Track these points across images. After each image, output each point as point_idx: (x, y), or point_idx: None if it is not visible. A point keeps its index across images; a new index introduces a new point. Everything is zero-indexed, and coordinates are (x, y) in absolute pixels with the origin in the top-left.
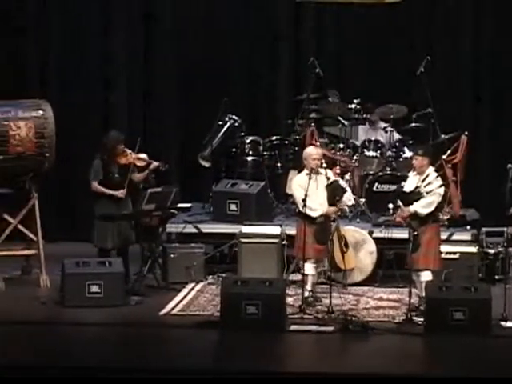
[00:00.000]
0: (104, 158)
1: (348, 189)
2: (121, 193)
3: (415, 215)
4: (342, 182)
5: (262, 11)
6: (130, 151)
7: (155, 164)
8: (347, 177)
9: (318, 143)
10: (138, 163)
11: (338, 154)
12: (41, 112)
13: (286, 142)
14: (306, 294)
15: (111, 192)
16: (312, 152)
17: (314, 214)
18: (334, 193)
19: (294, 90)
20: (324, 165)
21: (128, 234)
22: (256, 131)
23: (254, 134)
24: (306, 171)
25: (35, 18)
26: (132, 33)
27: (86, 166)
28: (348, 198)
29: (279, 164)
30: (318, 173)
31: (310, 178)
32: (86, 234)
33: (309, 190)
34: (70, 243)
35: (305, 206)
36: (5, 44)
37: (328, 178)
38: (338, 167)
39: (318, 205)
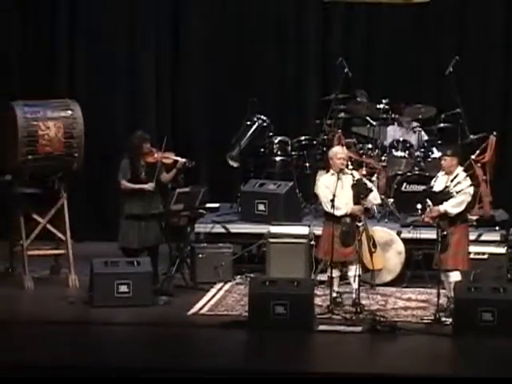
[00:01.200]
0: (131, 158)
1: (374, 188)
2: (150, 185)
3: (444, 215)
4: (368, 182)
5: (290, 11)
6: (156, 150)
7: (182, 161)
8: (373, 178)
9: (345, 147)
10: (165, 161)
11: (365, 156)
12: (70, 112)
13: (315, 142)
14: (334, 294)
15: (140, 186)
16: (338, 151)
17: (338, 213)
18: (359, 191)
19: (323, 90)
20: (350, 166)
21: (157, 233)
22: (284, 131)
23: (283, 134)
24: (331, 171)
25: (64, 17)
26: (160, 32)
27: (114, 166)
28: (374, 197)
29: (307, 164)
30: (343, 173)
31: (338, 178)
32: (114, 234)
33: (334, 189)
34: (99, 243)
35: (333, 206)
36: (34, 44)
37: (354, 178)
38: (364, 168)
39: (343, 204)
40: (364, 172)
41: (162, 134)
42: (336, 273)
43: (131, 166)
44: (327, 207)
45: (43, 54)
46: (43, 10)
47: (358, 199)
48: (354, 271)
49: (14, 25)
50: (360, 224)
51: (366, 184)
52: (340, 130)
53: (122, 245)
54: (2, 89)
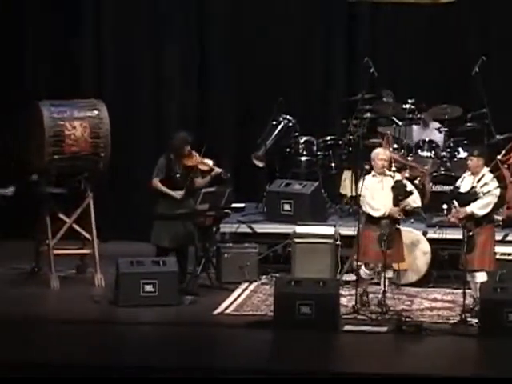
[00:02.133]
0: (169, 158)
1: (415, 191)
2: (178, 194)
3: (471, 216)
4: (409, 185)
5: (315, 11)
6: (196, 154)
7: (218, 170)
8: (416, 182)
9: (391, 149)
10: (202, 167)
11: (410, 158)
12: (96, 112)
13: (340, 142)
14: (360, 293)
15: (169, 191)
16: (379, 152)
17: (375, 214)
18: (398, 193)
19: (349, 90)
20: (393, 168)
21: (187, 233)
22: (310, 131)
23: (308, 133)
24: (372, 172)
25: (90, 17)
26: (187, 32)
27: (140, 166)
28: (413, 200)
29: (333, 164)
30: (384, 174)
31: (381, 180)
32: (140, 234)
33: (374, 190)
34: (125, 242)
35: (369, 206)
36: (61, 44)
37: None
38: (406, 171)
39: (381, 205)
40: (407, 175)
41: (190, 134)
42: (368, 274)
43: (167, 166)
44: (365, 208)
45: (70, 54)
46: (69, 9)
47: (396, 201)
48: (390, 273)
49: (41, 25)
50: (398, 226)
51: (405, 186)
52: (389, 132)
53: (155, 243)
54: (29, 89)
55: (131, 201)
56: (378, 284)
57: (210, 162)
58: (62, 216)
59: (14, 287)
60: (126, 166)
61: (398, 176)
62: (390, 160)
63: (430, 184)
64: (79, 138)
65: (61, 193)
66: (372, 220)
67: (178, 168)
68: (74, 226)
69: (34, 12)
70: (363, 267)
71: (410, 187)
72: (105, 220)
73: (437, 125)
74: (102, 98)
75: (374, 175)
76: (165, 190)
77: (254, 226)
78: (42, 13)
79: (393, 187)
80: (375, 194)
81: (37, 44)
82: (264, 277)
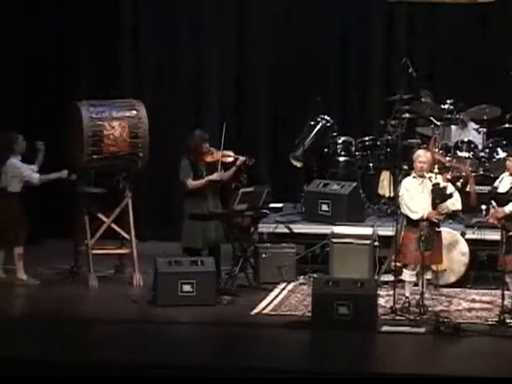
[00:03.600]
0: (190, 158)
1: (456, 194)
2: (216, 175)
3: (509, 216)
4: (450, 187)
5: (354, 12)
6: (215, 149)
7: (242, 159)
8: (459, 184)
9: (437, 149)
10: (225, 160)
11: (455, 160)
12: (134, 112)
13: (378, 142)
14: (404, 298)
15: (209, 178)
16: (419, 154)
17: (414, 217)
18: (435, 196)
19: (387, 90)
20: (435, 170)
21: (219, 233)
22: (348, 131)
23: (346, 134)
24: (413, 174)
25: (128, 17)
26: (224, 31)
27: (178, 166)
28: (452, 203)
29: (371, 164)
30: (423, 176)
31: (421, 182)
32: (178, 234)
33: (414, 192)
34: (163, 242)
35: (408, 208)
36: (100, 44)
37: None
38: (449, 173)
39: (420, 208)
40: (449, 177)
41: (226, 134)
42: (409, 278)
43: (192, 166)
44: (404, 210)
45: (108, 55)
46: (107, 9)
47: (435, 204)
48: (428, 275)
49: (80, 25)
50: (438, 229)
51: (444, 189)
52: (437, 132)
53: (185, 245)
54: (69, 90)
55: (170, 201)
56: (417, 285)
57: (231, 153)
58: (100, 216)
59: (53, 286)
60: (164, 166)
61: (439, 178)
62: (434, 162)
63: (474, 186)
64: (118, 137)
65: (99, 192)
66: (411, 222)
67: (202, 166)
68: (113, 225)
69: (76, 13)
70: (405, 270)
71: (450, 190)
72: (143, 220)
73: (475, 125)
74: (140, 98)
75: (414, 177)
76: (203, 181)
77: (291, 226)
78: (81, 13)
79: (432, 190)
80: (415, 196)
81: (76, 44)
82: (302, 277)
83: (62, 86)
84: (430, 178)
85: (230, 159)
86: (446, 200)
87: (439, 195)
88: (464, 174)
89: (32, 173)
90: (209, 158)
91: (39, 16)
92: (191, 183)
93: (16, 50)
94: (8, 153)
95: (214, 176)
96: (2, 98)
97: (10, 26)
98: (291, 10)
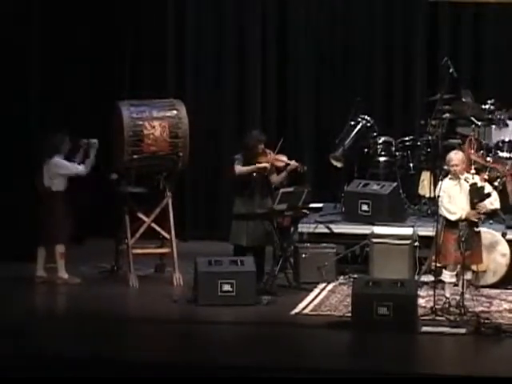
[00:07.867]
0: (245, 156)
1: (494, 193)
2: (265, 164)
3: None
4: (488, 187)
5: (396, 11)
6: (269, 151)
7: (294, 164)
8: (496, 183)
9: (472, 150)
10: (277, 163)
11: (492, 160)
12: (175, 112)
13: (419, 142)
14: (444, 299)
15: (257, 166)
16: (451, 157)
17: (452, 218)
18: (473, 196)
19: (428, 90)
20: (472, 170)
21: (266, 233)
22: (388, 132)
23: (387, 134)
24: (449, 175)
25: (172, 17)
26: (267, 33)
27: (218, 166)
28: (490, 202)
29: (411, 165)
30: (459, 178)
31: (458, 183)
32: (218, 233)
33: (452, 194)
34: (204, 242)
35: (446, 210)
36: (144, 44)
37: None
38: (486, 173)
39: (458, 209)
40: (486, 176)
41: (267, 134)
42: (449, 279)
43: (244, 163)
44: (442, 211)
45: (152, 55)
46: (154, 10)
47: (473, 204)
48: (468, 275)
49: (125, 26)
50: (476, 229)
51: (482, 189)
52: (472, 133)
53: (231, 242)
54: (112, 90)
55: (210, 200)
56: (457, 285)
57: (285, 158)
58: (141, 215)
59: (94, 285)
60: (205, 166)
61: (477, 178)
62: (469, 162)
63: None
64: (158, 137)
65: (140, 192)
66: (451, 223)
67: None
68: (153, 225)
69: (122, 13)
70: (445, 271)
71: (488, 189)
72: (184, 219)
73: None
74: (181, 98)
75: (450, 178)
76: (250, 167)
77: (331, 226)
78: (125, 14)
79: (469, 190)
80: (453, 197)
81: (120, 45)
82: (342, 277)
83: (105, 85)
84: (466, 178)
85: (282, 164)
86: (483, 200)
87: (477, 195)
88: (502, 173)
89: (77, 166)
90: (262, 159)
91: (88, 18)
92: (239, 168)
93: (62, 52)
94: (53, 153)
95: (263, 164)
96: (46, 98)
97: (58, 27)
98: (335, 11)
